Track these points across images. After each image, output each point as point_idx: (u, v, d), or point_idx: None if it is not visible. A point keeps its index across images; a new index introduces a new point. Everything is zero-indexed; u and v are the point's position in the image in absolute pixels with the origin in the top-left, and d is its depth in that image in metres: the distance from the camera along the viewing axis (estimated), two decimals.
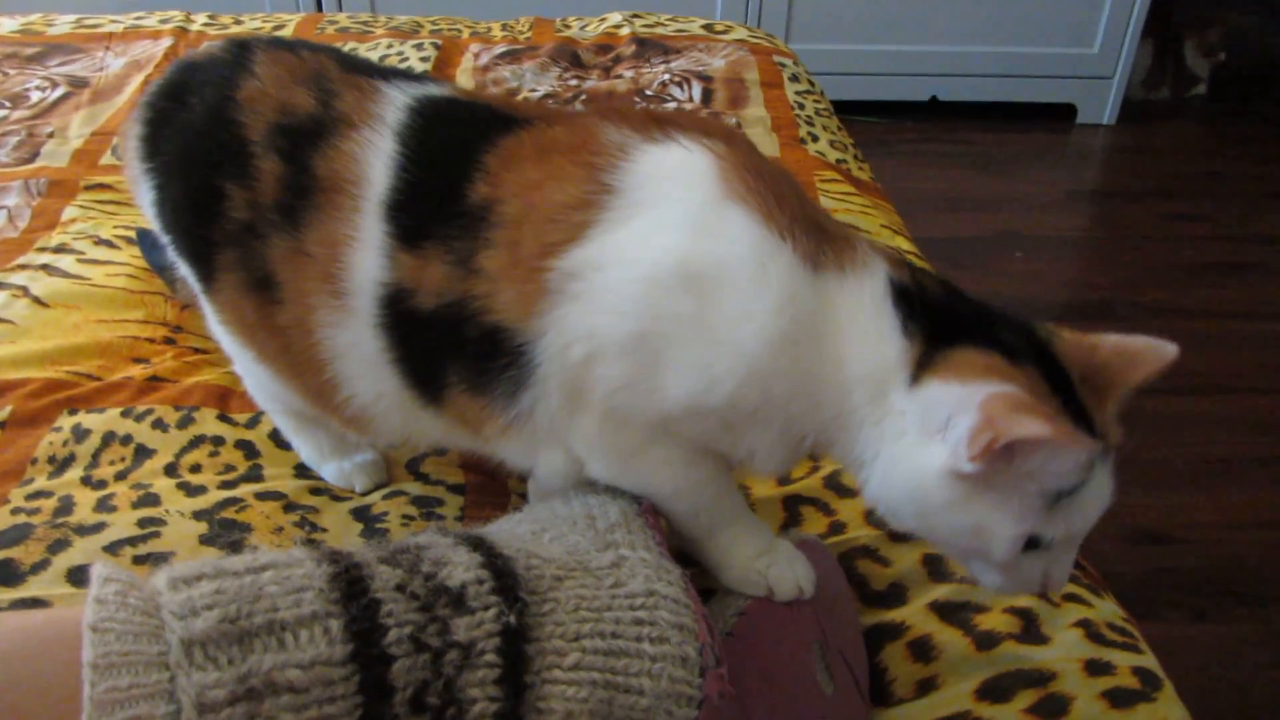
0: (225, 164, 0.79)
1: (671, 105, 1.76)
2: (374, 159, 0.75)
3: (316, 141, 0.77)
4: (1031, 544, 0.67)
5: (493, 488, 0.97)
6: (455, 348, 0.73)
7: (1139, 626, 0.87)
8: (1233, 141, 3.45)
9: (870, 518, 0.92)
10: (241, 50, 0.83)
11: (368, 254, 0.74)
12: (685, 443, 0.74)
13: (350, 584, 0.58)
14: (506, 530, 0.71)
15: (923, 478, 0.66)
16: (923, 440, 0.66)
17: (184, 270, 0.88)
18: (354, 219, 0.75)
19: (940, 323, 0.69)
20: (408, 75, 0.83)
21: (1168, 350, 0.73)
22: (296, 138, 0.77)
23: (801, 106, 1.80)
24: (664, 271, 0.67)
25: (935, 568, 0.87)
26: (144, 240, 1.27)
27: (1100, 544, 1.76)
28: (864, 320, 0.69)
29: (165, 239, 0.88)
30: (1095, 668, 0.79)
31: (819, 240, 0.71)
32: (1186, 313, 2.47)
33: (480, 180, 0.72)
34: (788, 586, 0.77)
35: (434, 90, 0.80)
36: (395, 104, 0.78)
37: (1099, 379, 0.71)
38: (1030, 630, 0.82)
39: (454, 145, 0.76)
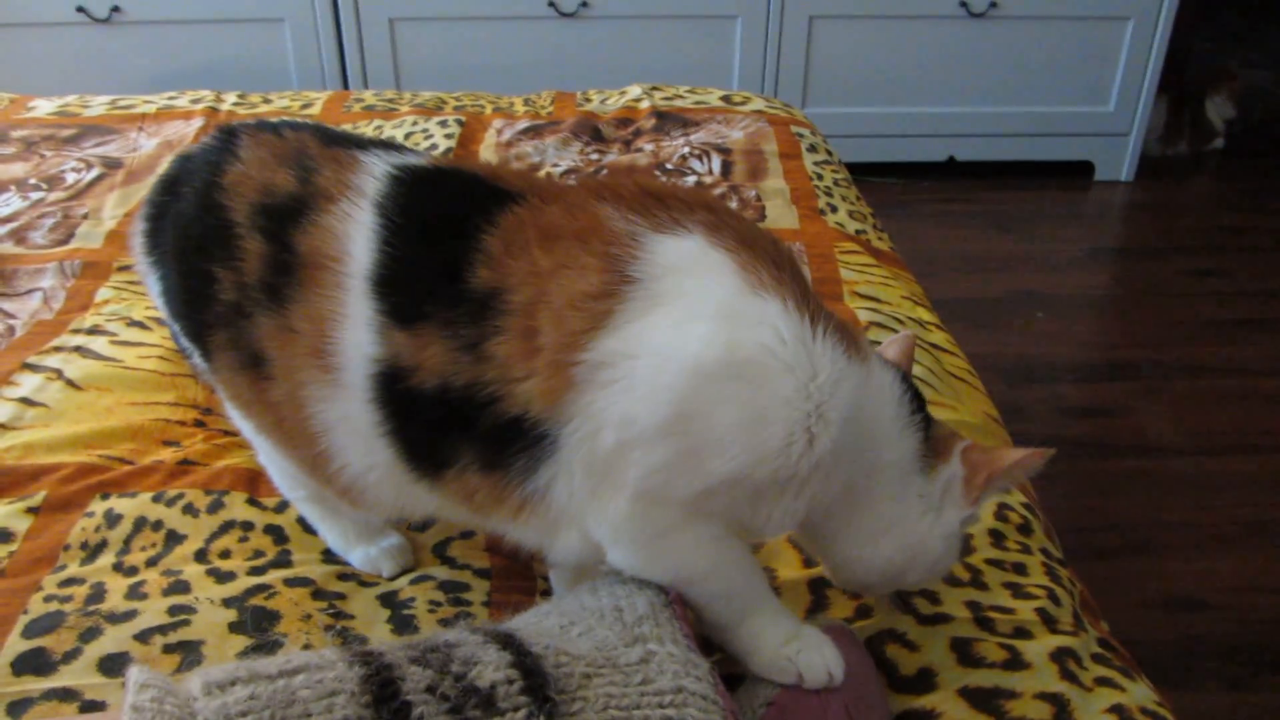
0: (213, 248, 0.81)
1: (691, 179, 1.78)
2: (354, 232, 0.76)
3: (298, 218, 0.78)
4: None
5: (519, 572, 0.97)
6: (463, 428, 0.74)
7: (1174, 698, 0.86)
8: (1251, 195, 3.46)
9: (897, 601, 0.92)
10: (228, 136, 0.86)
11: (356, 330, 0.75)
12: (715, 520, 0.75)
13: (382, 686, 0.58)
14: (534, 623, 0.72)
15: (947, 539, 0.80)
16: (941, 510, 0.80)
17: (194, 355, 0.90)
18: (338, 295, 0.76)
19: (922, 410, 0.82)
20: (388, 145, 0.84)
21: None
22: (278, 216, 0.79)
23: (820, 177, 1.82)
24: (709, 359, 0.69)
25: (965, 652, 0.87)
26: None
27: (1134, 611, 1.73)
28: (892, 411, 0.78)
29: (173, 326, 0.91)
30: None
31: (839, 330, 0.74)
32: (1212, 370, 2.46)
33: (481, 264, 0.73)
34: (818, 673, 0.77)
35: (413, 160, 0.82)
36: (374, 173, 0.79)
37: None
38: (1063, 718, 0.81)
39: (444, 221, 0.76)
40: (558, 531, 0.78)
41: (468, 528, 1.01)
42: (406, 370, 0.74)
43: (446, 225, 0.76)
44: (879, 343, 0.90)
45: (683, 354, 0.70)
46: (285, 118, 1.97)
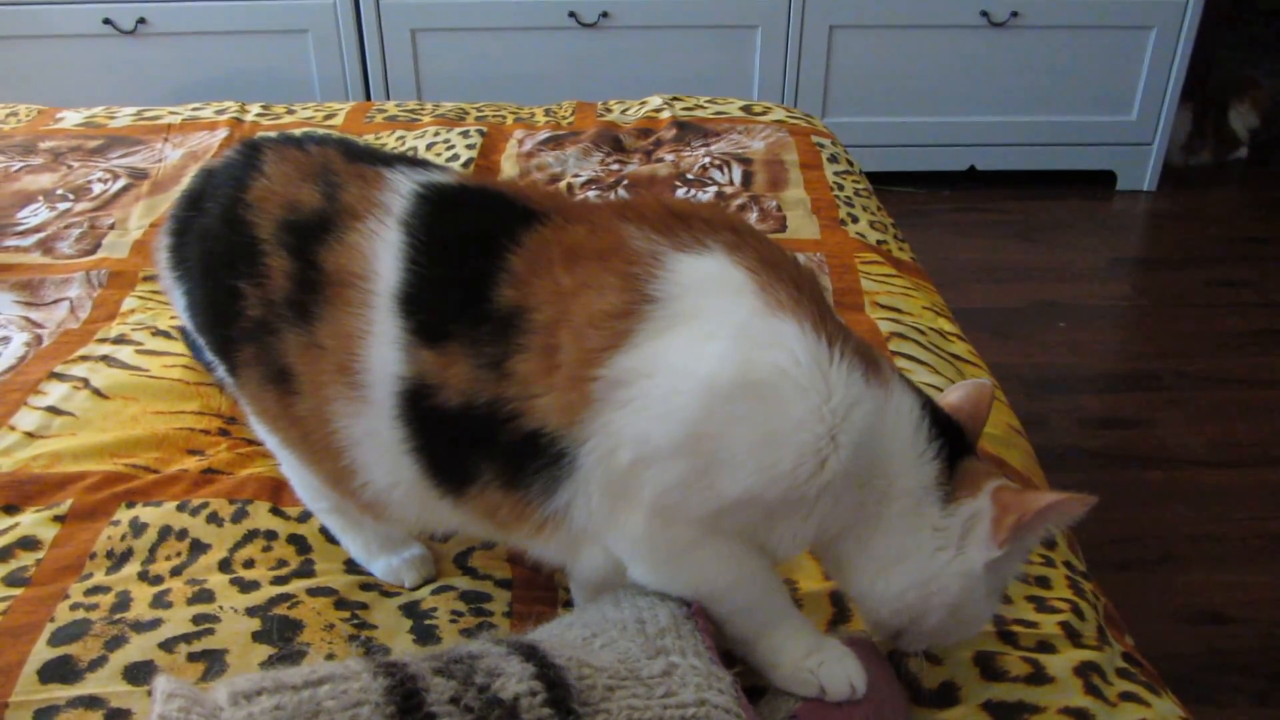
0: (238, 264, 0.81)
1: (712, 189, 1.79)
2: (381, 251, 0.77)
3: (323, 235, 0.79)
4: None
5: (540, 582, 0.97)
6: (485, 445, 0.75)
7: (1200, 714, 0.85)
8: (1275, 205, 3.43)
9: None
10: (252, 151, 0.87)
11: (383, 347, 0.76)
12: (733, 537, 0.75)
13: (406, 697, 0.58)
14: (557, 635, 0.72)
15: (966, 578, 0.76)
16: (962, 549, 0.76)
17: (218, 369, 0.91)
18: (365, 312, 0.76)
19: (944, 438, 0.77)
20: (412, 161, 0.85)
21: (984, 386, 0.87)
22: (304, 233, 0.80)
23: (841, 187, 1.82)
24: (724, 379, 0.70)
25: (988, 666, 0.86)
26: (189, 338, 1.30)
27: (1158, 625, 1.72)
28: (909, 437, 0.76)
29: (197, 341, 0.91)
30: None
31: (859, 353, 0.74)
32: (1236, 382, 2.44)
33: (506, 284, 0.74)
34: (840, 686, 0.77)
35: (439, 177, 0.82)
36: (400, 191, 0.79)
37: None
38: None
39: (470, 239, 0.77)
40: (580, 549, 0.78)
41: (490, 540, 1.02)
42: (432, 388, 0.74)
43: (472, 244, 0.76)
44: (915, 358, 0.90)
45: (697, 373, 0.70)
46: (309, 129, 1.99)
